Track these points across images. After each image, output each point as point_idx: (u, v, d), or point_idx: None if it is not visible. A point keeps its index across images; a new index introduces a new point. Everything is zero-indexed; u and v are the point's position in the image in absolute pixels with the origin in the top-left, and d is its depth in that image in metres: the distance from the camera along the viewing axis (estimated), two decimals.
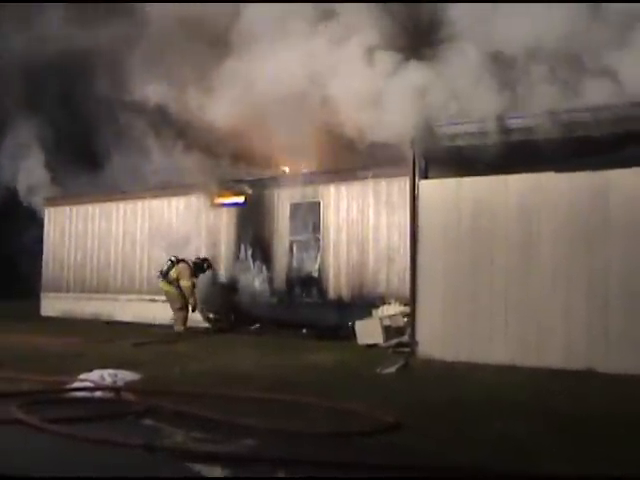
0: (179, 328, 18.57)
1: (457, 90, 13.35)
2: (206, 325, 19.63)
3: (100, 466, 7.01)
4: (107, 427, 8.43)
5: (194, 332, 18.36)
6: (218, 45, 16.71)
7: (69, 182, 24.18)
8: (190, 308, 18.91)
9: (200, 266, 19.35)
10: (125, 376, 11.40)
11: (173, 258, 19.13)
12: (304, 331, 17.61)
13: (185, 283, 18.80)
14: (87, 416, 8.92)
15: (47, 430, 8.11)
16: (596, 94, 12.08)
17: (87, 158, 22.92)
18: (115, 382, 11.10)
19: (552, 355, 12.22)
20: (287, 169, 20.27)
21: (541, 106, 12.23)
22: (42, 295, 23.84)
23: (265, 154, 19.09)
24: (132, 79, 18.23)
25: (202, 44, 17.23)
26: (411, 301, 14.04)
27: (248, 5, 16.43)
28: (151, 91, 17.80)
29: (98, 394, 10.50)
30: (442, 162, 13.93)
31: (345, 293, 18.08)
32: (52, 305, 22.20)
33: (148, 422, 8.86)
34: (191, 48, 17.36)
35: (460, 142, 13.37)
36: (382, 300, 17.11)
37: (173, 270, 18.96)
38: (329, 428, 8.41)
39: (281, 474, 6.98)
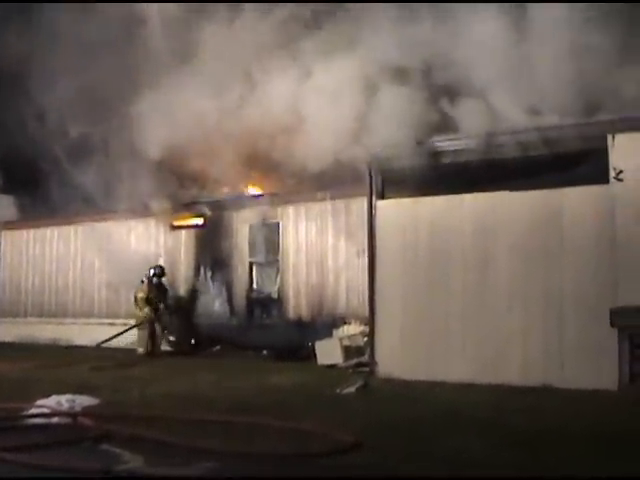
0: (140, 350, 18.49)
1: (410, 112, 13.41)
2: (167, 348, 19.50)
3: None
4: (65, 453, 8.33)
5: (155, 355, 18.26)
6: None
7: (24, 205, 24.04)
8: (155, 328, 18.93)
9: (156, 275, 19.46)
10: (83, 401, 11.28)
11: (143, 279, 19.28)
12: (264, 352, 17.55)
13: (138, 295, 19.06)
14: (44, 443, 8.84)
15: (2, 459, 8.03)
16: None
17: (38, 181, 22.77)
18: (73, 407, 10.96)
19: (509, 372, 12.30)
20: (249, 189, 20.27)
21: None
22: None
23: (223, 175, 19.05)
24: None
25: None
26: (370, 321, 14.08)
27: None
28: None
29: (55, 420, 10.40)
30: (399, 182, 13.96)
31: (305, 314, 18.10)
32: (9, 330, 21.95)
33: (106, 447, 8.76)
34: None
35: (416, 162, 13.39)
36: (342, 320, 17.15)
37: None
38: (289, 449, 8.39)
39: None
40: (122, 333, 19.16)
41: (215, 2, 17.01)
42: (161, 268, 19.64)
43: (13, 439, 8.92)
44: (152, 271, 19.37)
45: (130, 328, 18.98)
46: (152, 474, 7.65)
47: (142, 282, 19.15)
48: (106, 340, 18.62)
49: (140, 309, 18.91)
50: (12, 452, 8.16)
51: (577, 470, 7.33)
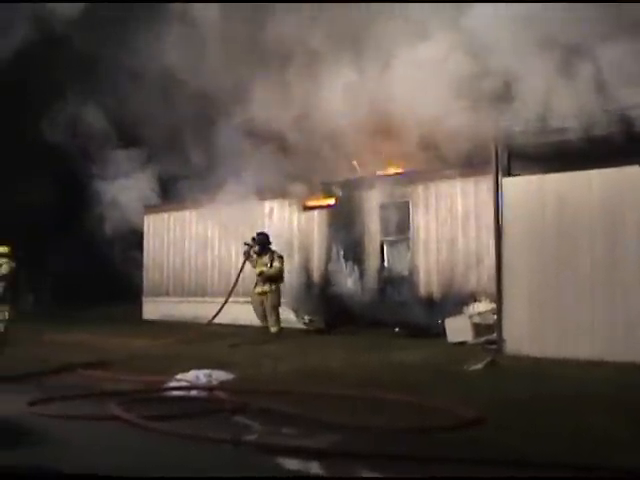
0: (274, 329, 17.86)
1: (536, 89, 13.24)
2: (300, 326, 19.90)
3: (186, 459, 7.40)
4: (200, 424, 8.78)
5: (288, 333, 18.63)
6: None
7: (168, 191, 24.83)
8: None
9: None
10: (219, 376, 11.79)
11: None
12: (396, 330, 17.64)
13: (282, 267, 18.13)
14: (180, 413, 9.35)
15: (140, 426, 8.57)
16: None
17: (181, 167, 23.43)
18: (210, 382, 11.51)
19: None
20: (379, 169, 20.30)
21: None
22: (144, 300, 24.68)
23: (355, 156, 19.23)
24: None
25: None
26: (497, 299, 14.02)
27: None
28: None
29: (193, 393, 10.95)
30: (525, 159, 13.90)
31: (436, 291, 18.15)
32: (153, 309, 22.88)
33: (238, 419, 9.19)
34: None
35: (542, 139, 13.29)
36: (472, 298, 17.10)
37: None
38: (411, 423, 8.58)
39: (363, 468, 7.17)
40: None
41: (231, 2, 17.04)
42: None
43: (155, 409, 9.50)
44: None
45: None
46: (277, 444, 7.99)
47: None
48: (215, 315, 18.55)
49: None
50: (154, 421, 8.73)
51: None
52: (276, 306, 17.85)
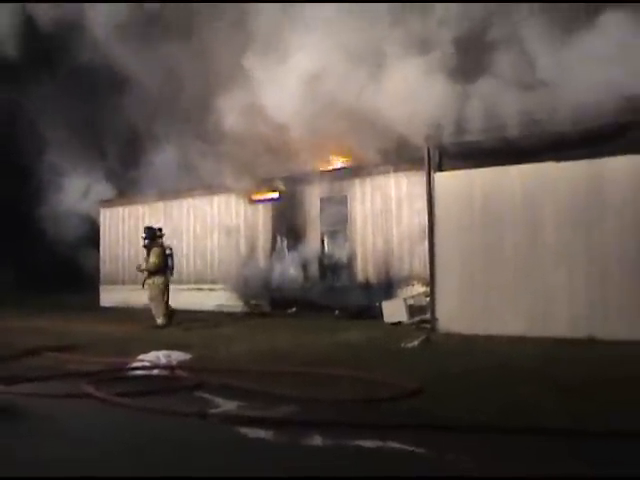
0: (158, 321, 16.99)
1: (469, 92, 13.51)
2: (247, 310, 19.99)
3: (160, 431, 7.51)
4: (163, 399, 8.84)
5: (236, 317, 18.68)
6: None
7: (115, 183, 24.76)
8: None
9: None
10: (177, 356, 11.79)
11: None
12: (336, 312, 17.82)
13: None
14: (146, 390, 9.37)
15: (113, 402, 8.63)
16: None
17: (129, 161, 23.41)
18: (169, 362, 11.55)
19: (557, 326, 12.41)
20: (319, 165, 20.34)
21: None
22: (101, 288, 24.46)
23: (297, 153, 19.27)
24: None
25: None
26: (430, 282, 14.28)
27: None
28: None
29: (155, 372, 11.00)
30: (455, 155, 14.15)
31: (372, 277, 18.38)
32: (109, 296, 22.74)
33: (199, 395, 9.23)
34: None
35: (469, 138, 13.57)
36: (406, 282, 17.38)
37: None
38: (358, 395, 8.74)
39: (319, 435, 7.32)
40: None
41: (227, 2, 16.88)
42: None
43: (121, 387, 9.44)
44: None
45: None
46: (241, 415, 8.13)
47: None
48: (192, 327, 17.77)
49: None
50: (123, 397, 8.77)
51: (613, 414, 7.48)
52: (155, 298, 17.12)
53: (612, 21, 12.51)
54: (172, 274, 17.40)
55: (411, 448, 6.68)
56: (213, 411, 8.25)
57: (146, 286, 17.25)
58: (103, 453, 6.77)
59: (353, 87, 15.05)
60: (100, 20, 17.22)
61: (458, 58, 14.15)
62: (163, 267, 17.13)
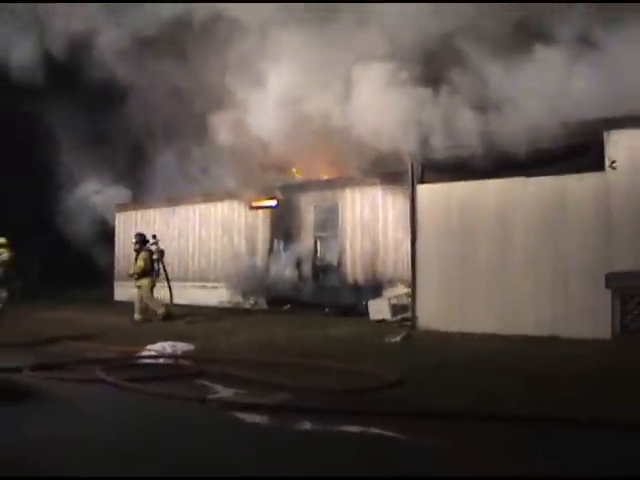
0: (136, 316, 16.94)
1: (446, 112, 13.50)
2: (246, 306, 19.98)
3: (163, 414, 7.53)
4: (168, 385, 8.90)
5: (236, 312, 18.65)
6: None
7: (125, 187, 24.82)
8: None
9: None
10: (182, 347, 11.82)
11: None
12: (326, 310, 17.75)
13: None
14: (153, 377, 9.45)
15: (123, 387, 8.66)
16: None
17: (137, 168, 23.47)
18: (174, 351, 11.57)
19: (525, 325, 12.39)
20: (314, 176, 20.29)
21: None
22: (115, 284, 24.45)
23: (294, 164, 19.26)
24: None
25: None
26: (412, 284, 14.28)
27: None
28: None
29: (161, 360, 11.04)
30: (435, 170, 14.16)
31: (360, 278, 18.37)
32: (123, 291, 22.67)
33: (201, 382, 9.29)
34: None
35: (450, 153, 13.59)
36: (390, 283, 17.37)
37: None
38: (345, 385, 8.79)
39: (310, 420, 7.34)
40: None
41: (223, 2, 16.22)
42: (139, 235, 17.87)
43: (131, 374, 9.51)
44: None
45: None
46: (237, 401, 8.14)
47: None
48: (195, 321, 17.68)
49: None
50: (132, 382, 8.82)
51: (569, 400, 7.59)
52: (147, 298, 17.04)
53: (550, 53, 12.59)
54: (157, 276, 17.49)
55: (391, 433, 6.70)
56: (212, 397, 8.26)
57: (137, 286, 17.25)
58: (113, 432, 6.81)
59: (328, 107, 14.96)
60: (106, 43, 17.23)
61: (427, 75, 14.12)
62: (150, 270, 17.17)
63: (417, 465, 5.80)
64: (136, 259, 17.29)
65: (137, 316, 16.88)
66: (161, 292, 17.86)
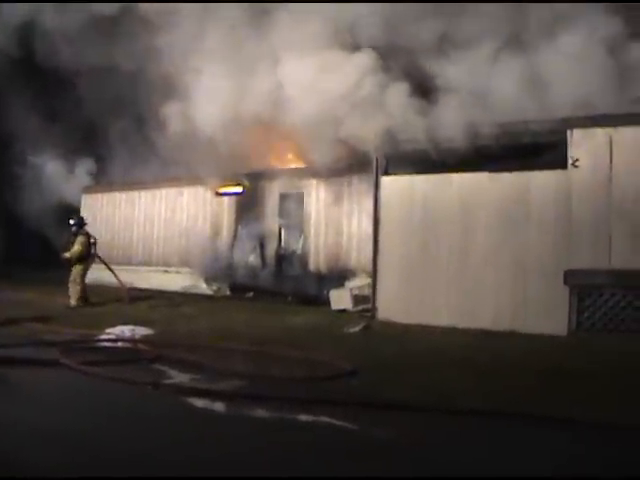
0: (72, 302, 16.42)
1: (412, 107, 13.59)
2: (209, 292, 19.95)
3: (115, 397, 7.53)
4: (125, 369, 8.89)
5: (199, 298, 18.65)
6: None
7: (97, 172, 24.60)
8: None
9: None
10: (141, 331, 11.87)
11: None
12: (289, 299, 17.81)
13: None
14: (110, 360, 9.45)
15: (77, 370, 8.64)
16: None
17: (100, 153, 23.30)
18: (133, 335, 11.57)
19: (484, 319, 12.49)
20: (279, 164, 20.29)
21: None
22: None
23: (259, 152, 19.16)
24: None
25: None
26: (373, 275, 14.31)
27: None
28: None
29: (119, 344, 11.02)
30: (400, 162, 14.22)
31: (323, 267, 18.34)
32: (92, 275, 22.54)
33: (158, 367, 9.31)
34: None
35: (414, 146, 13.65)
36: (352, 273, 17.37)
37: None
38: (300, 374, 8.86)
39: (261, 408, 7.39)
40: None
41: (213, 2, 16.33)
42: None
43: (88, 357, 9.49)
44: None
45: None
46: (191, 387, 8.17)
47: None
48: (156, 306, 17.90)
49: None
50: (88, 366, 8.81)
51: (521, 393, 7.75)
52: (73, 282, 16.62)
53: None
54: (92, 262, 17.19)
55: (339, 422, 6.77)
56: (166, 382, 8.27)
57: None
58: (57, 415, 6.80)
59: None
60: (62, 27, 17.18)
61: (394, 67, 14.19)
62: (85, 255, 16.85)
63: (359, 455, 5.85)
64: (72, 242, 16.88)
65: (73, 302, 16.42)
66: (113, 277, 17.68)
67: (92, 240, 17.17)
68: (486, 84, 12.54)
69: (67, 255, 16.76)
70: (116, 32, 17.17)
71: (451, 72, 12.87)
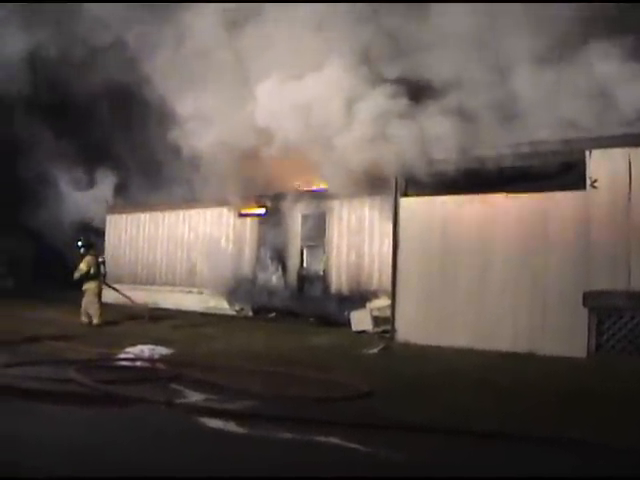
0: (95, 321, 16.62)
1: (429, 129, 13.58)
2: (232, 313, 20.01)
3: (128, 416, 7.55)
4: (142, 388, 8.89)
5: (222, 318, 18.66)
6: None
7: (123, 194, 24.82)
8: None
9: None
10: (160, 350, 11.90)
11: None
12: (311, 320, 17.82)
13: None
14: (126, 379, 9.46)
15: (93, 388, 8.67)
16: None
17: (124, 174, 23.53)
18: (152, 355, 11.61)
19: (502, 341, 12.44)
20: (303, 186, 20.36)
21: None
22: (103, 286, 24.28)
23: (281, 174, 19.22)
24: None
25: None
26: (392, 296, 14.32)
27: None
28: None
29: (138, 363, 11.05)
30: (419, 184, 14.21)
31: (344, 289, 18.35)
32: (110, 294, 22.67)
33: (174, 386, 9.30)
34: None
35: (433, 168, 13.65)
36: (374, 295, 17.36)
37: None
38: (315, 394, 8.80)
39: (277, 429, 7.36)
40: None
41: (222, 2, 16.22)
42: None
43: (107, 375, 9.55)
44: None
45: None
46: (205, 406, 8.16)
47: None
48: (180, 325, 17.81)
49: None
50: (105, 384, 8.83)
51: (541, 416, 7.65)
52: (91, 301, 16.82)
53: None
54: (104, 280, 17.45)
55: (350, 444, 6.72)
56: (179, 401, 8.28)
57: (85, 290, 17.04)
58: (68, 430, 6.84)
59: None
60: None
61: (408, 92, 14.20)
62: (96, 274, 17.07)
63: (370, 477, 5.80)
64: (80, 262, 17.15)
65: (96, 320, 16.58)
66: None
67: (101, 259, 17.51)
68: (505, 103, 12.50)
69: (76, 275, 17.04)
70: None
71: (469, 92, 12.87)
